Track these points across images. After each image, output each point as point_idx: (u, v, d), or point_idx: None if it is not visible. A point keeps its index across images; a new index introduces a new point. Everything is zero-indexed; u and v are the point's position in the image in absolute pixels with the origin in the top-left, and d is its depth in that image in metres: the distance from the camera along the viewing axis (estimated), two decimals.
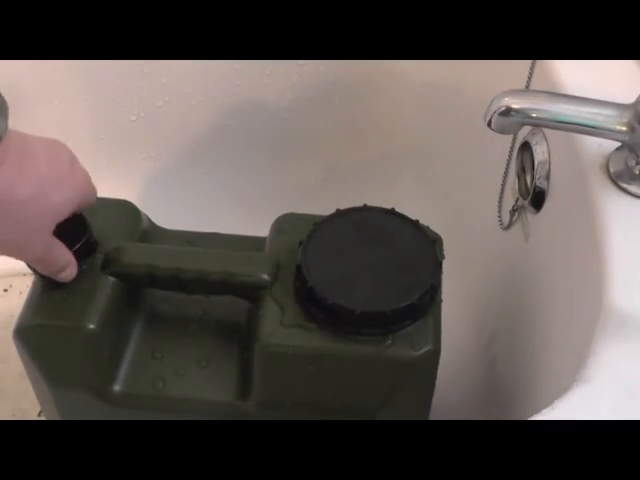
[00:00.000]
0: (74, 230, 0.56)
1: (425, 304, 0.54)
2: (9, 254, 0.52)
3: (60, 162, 0.52)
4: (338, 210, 0.58)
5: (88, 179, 0.55)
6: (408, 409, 0.57)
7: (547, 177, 0.65)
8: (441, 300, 0.56)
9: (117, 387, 0.58)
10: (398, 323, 0.54)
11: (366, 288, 0.54)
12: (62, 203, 0.51)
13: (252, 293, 0.57)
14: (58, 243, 0.54)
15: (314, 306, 0.54)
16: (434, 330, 0.55)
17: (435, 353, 0.54)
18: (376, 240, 0.56)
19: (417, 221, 0.57)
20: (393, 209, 0.58)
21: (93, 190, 0.56)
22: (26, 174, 0.48)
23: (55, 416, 0.62)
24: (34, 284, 0.58)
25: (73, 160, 0.53)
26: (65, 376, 0.58)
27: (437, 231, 0.59)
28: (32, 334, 0.57)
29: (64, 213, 0.52)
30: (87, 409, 0.59)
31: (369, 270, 0.54)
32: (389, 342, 0.53)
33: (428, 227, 0.58)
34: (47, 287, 0.57)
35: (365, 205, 0.58)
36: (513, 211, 0.72)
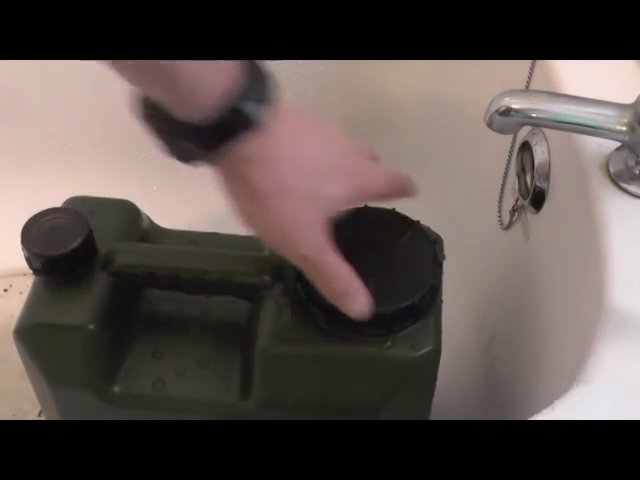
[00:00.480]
0: (73, 230, 0.56)
1: (426, 305, 0.54)
2: (279, 249, 0.48)
3: (334, 149, 0.47)
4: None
5: (370, 171, 0.50)
6: (409, 409, 0.57)
7: (547, 177, 0.65)
8: (441, 301, 0.56)
9: (117, 387, 0.58)
10: (398, 324, 0.54)
11: (366, 288, 0.54)
12: (331, 197, 0.46)
13: (252, 293, 0.57)
14: (335, 255, 0.48)
15: (314, 306, 0.54)
16: (435, 330, 0.55)
17: (436, 353, 0.54)
18: (377, 240, 0.56)
19: (418, 222, 0.57)
20: (394, 209, 0.58)
21: (377, 183, 0.50)
22: (293, 164, 0.45)
23: (55, 416, 0.62)
24: (34, 284, 0.58)
25: (352, 149, 0.49)
26: (65, 376, 0.58)
27: (437, 231, 0.59)
28: (32, 334, 0.57)
29: (333, 209, 0.47)
30: (87, 409, 0.59)
31: (370, 270, 0.55)
32: (389, 342, 0.53)
33: (429, 227, 0.58)
34: (47, 287, 0.57)
35: (366, 206, 0.58)
36: (513, 211, 0.72)
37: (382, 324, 0.53)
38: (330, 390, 0.56)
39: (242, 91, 0.42)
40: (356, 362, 0.54)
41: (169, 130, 0.44)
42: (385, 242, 0.56)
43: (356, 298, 0.50)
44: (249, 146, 0.43)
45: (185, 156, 0.45)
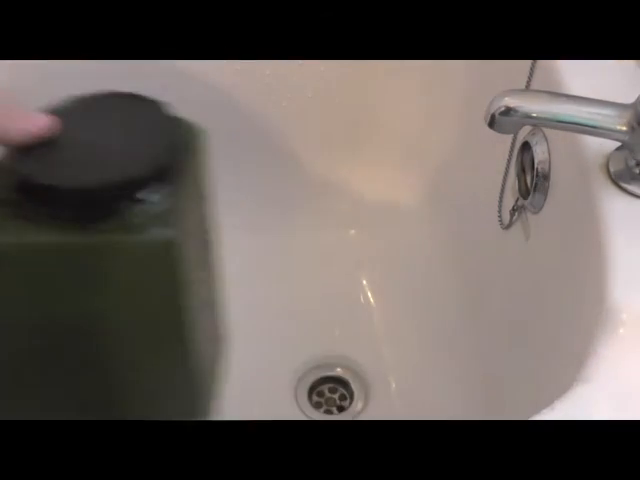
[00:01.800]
0: None
1: (147, 185, 0.46)
2: None
3: None
4: (74, 96, 0.53)
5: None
6: (151, 312, 0.49)
7: (547, 177, 0.65)
8: (186, 188, 0.50)
9: None
10: (111, 204, 0.45)
11: (81, 168, 0.46)
12: None
13: None
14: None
15: (23, 195, 0.46)
16: (170, 217, 0.46)
17: (169, 243, 0.46)
18: (106, 123, 0.50)
19: (164, 103, 0.51)
20: (139, 94, 0.52)
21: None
22: None
23: None
24: None
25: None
26: None
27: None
28: None
29: None
30: None
31: (92, 152, 0.47)
32: (107, 226, 0.45)
33: (182, 118, 0.53)
34: None
35: (111, 91, 0.52)
36: (513, 211, 0.72)
37: (88, 204, 0.45)
38: (52, 300, 0.48)
39: None
40: (63, 255, 0.46)
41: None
42: (119, 125, 0.50)
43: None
44: None
45: None
